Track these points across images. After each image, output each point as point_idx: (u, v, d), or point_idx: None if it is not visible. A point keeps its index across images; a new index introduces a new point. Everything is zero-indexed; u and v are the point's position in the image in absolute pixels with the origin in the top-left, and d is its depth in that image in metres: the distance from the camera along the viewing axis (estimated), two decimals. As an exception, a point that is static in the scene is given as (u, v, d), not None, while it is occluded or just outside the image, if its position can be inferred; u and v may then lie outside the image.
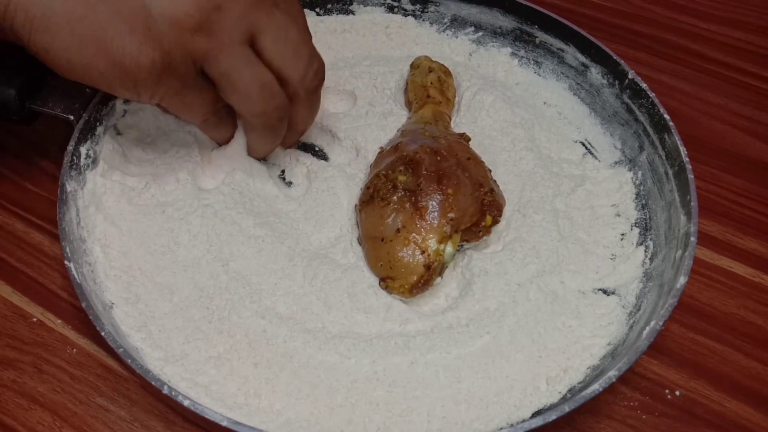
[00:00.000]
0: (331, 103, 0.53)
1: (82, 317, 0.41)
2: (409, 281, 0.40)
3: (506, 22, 0.56)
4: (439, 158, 0.42)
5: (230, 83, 0.39)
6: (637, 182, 0.48)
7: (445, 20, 0.58)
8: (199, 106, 0.41)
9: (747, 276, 0.47)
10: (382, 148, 0.47)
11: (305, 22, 0.42)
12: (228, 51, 0.38)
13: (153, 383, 0.34)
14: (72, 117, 0.44)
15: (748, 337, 0.44)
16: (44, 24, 0.34)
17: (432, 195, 0.41)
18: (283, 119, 0.42)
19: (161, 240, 0.43)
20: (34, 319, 0.43)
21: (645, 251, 0.44)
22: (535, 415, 0.37)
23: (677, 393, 0.42)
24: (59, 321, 0.43)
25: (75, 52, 0.35)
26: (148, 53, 0.35)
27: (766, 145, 0.55)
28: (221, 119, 0.44)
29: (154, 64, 0.36)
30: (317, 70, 0.42)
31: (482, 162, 0.44)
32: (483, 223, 0.42)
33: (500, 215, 0.43)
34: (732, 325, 0.45)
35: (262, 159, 0.47)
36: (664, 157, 0.46)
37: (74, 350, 0.42)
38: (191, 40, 0.36)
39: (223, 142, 0.46)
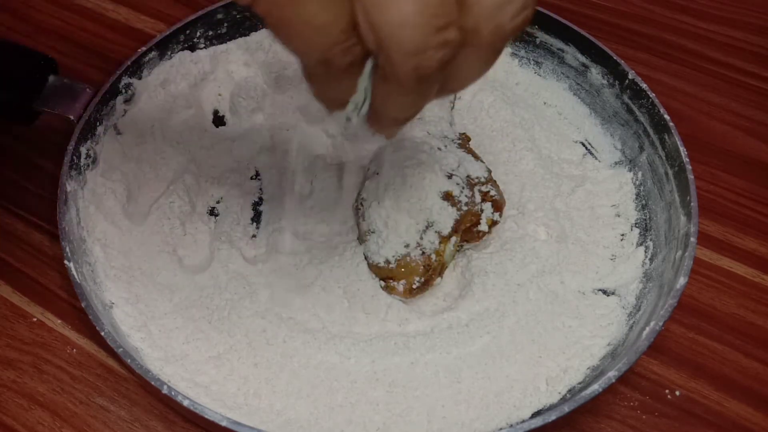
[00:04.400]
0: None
1: (82, 317, 0.41)
2: (409, 282, 0.40)
3: (506, 22, 0.56)
4: None
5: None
6: (637, 183, 0.48)
7: (446, 20, 0.58)
8: (323, 25, 0.25)
9: (747, 276, 0.47)
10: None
11: None
12: None
13: (152, 383, 0.34)
14: (72, 117, 0.44)
15: (748, 337, 0.44)
16: None
17: None
18: (447, 65, 0.26)
19: (161, 240, 0.43)
20: (34, 319, 0.43)
21: (645, 251, 0.44)
22: (534, 415, 0.37)
23: (677, 393, 0.42)
24: (59, 321, 0.43)
25: None
26: None
27: (766, 145, 0.55)
28: (346, 66, 0.27)
29: None
30: (521, 8, 0.26)
31: (482, 162, 0.44)
32: (483, 224, 0.42)
33: (500, 215, 0.43)
34: (732, 325, 0.45)
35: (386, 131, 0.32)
36: (664, 158, 0.46)
37: (74, 350, 0.42)
38: None
39: (337, 106, 0.30)
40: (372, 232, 0.41)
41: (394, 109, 0.29)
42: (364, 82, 0.28)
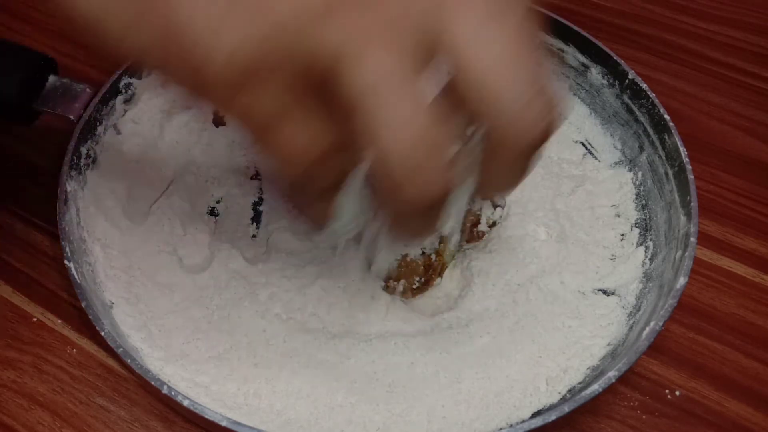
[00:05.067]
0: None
1: (82, 317, 0.41)
2: (409, 282, 0.40)
3: (507, 22, 0.56)
4: None
5: (371, 111, 0.21)
6: (637, 183, 0.48)
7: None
8: (303, 146, 0.23)
9: (747, 276, 0.47)
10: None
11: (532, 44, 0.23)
12: (380, 56, 0.20)
13: (152, 383, 0.34)
14: (72, 117, 0.44)
15: (748, 337, 0.44)
16: None
17: None
18: (449, 192, 0.24)
19: (161, 240, 0.43)
20: (34, 319, 0.43)
21: (645, 252, 0.44)
22: (534, 415, 0.37)
23: (677, 393, 0.42)
24: (59, 321, 0.43)
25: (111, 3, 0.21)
26: (229, 38, 0.20)
27: (766, 145, 0.55)
28: (325, 186, 0.26)
29: (235, 58, 0.20)
30: (546, 112, 0.24)
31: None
32: (483, 224, 0.42)
33: (500, 216, 0.43)
34: (732, 325, 0.45)
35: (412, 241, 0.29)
36: (664, 158, 0.46)
37: (74, 350, 0.42)
38: (317, 30, 0.20)
39: (322, 222, 0.29)
40: (372, 233, 0.41)
41: (409, 229, 0.27)
42: (352, 206, 0.26)
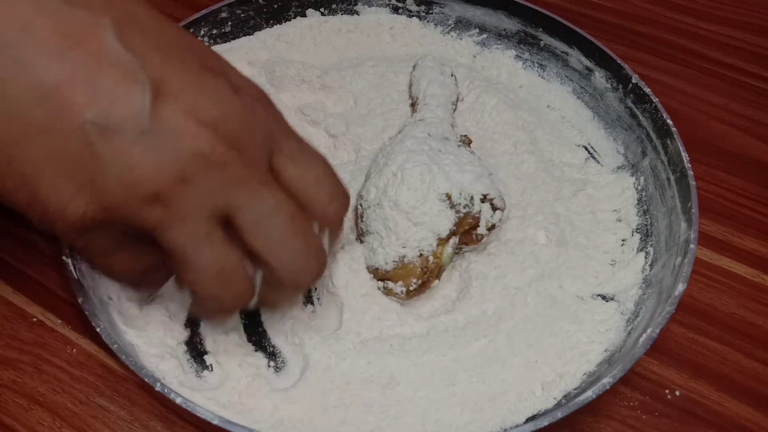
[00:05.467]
0: (332, 102, 0.53)
1: (82, 317, 0.41)
2: (406, 283, 0.40)
3: (511, 24, 0.56)
4: None
5: (182, 260, 0.30)
6: (639, 188, 0.48)
7: (450, 22, 0.58)
8: (127, 270, 0.34)
9: (747, 276, 0.47)
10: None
11: (304, 223, 0.33)
12: (185, 225, 0.29)
13: (146, 380, 0.34)
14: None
15: (748, 337, 0.44)
16: None
17: None
18: (243, 306, 0.34)
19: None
20: (34, 319, 0.43)
21: (645, 257, 0.44)
22: (529, 420, 0.37)
23: (677, 393, 0.42)
24: (59, 321, 0.43)
25: None
26: (79, 206, 0.28)
27: (766, 145, 0.55)
28: (152, 276, 0.36)
29: (83, 219, 0.28)
30: (315, 265, 0.34)
31: (483, 165, 0.44)
32: (481, 227, 0.42)
33: (500, 219, 0.43)
34: (732, 325, 0.45)
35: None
36: (666, 163, 0.46)
37: (74, 350, 0.42)
38: (142, 208, 0.28)
39: (148, 292, 0.39)
40: (370, 234, 0.41)
41: (203, 315, 0.39)
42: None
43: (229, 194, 0.29)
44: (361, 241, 0.42)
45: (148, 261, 0.34)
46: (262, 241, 0.31)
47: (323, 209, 0.33)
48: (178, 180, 0.28)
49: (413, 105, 0.51)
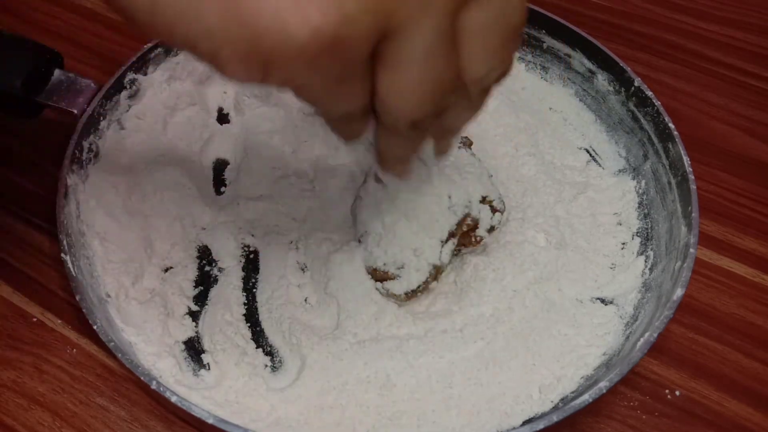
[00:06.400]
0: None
1: (82, 317, 0.41)
2: (404, 285, 0.40)
3: (513, 25, 0.56)
4: None
5: (407, 72, 0.26)
6: (640, 191, 0.47)
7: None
8: (353, 100, 0.28)
9: (747, 276, 0.47)
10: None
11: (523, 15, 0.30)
12: (431, 23, 0.25)
13: (142, 378, 0.34)
14: (76, 111, 0.44)
15: (748, 337, 0.44)
16: None
17: None
18: (438, 119, 0.30)
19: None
20: (34, 319, 0.43)
21: (645, 261, 0.44)
22: (525, 423, 0.37)
23: (677, 393, 0.42)
24: (59, 321, 0.43)
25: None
26: (310, 18, 0.22)
27: (766, 145, 0.55)
28: (365, 112, 0.30)
29: (317, 38, 0.22)
30: (505, 71, 0.30)
31: (483, 166, 0.44)
32: (481, 229, 0.42)
33: (499, 221, 0.42)
34: (732, 325, 0.45)
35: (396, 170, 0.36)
36: (667, 167, 0.45)
37: (74, 350, 0.42)
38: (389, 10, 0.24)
39: (353, 139, 0.33)
40: (369, 235, 0.41)
41: (394, 150, 0.33)
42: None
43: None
44: (360, 242, 0.42)
45: (371, 85, 0.28)
46: (483, 42, 0.28)
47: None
48: None
49: None
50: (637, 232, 0.46)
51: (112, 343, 0.34)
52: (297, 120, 0.51)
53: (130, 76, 0.47)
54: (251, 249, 0.44)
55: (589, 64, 0.52)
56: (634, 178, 0.48)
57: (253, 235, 0.45)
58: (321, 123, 0.50)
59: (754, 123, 0.56)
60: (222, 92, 0.52)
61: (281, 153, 0.49)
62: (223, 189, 0.47)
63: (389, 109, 0.28)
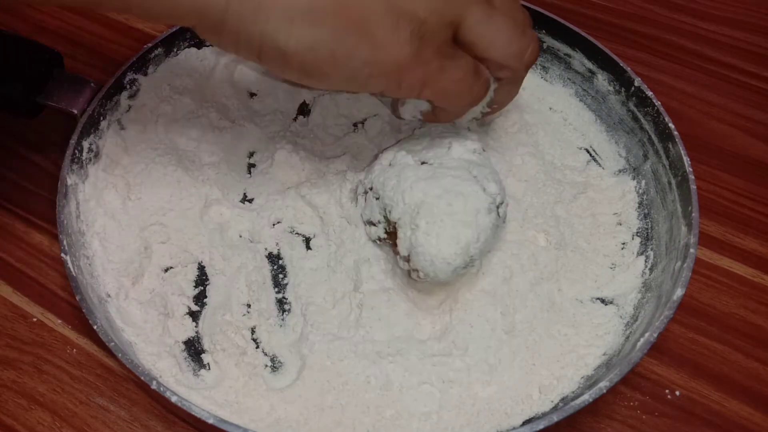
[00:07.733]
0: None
1: (82, 317, 0.41)
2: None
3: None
4: None
5: (488, 36, 0.36)
6: (641, 191, 0.47)
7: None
8: (464, 77, 0.37)
9: (747, 276, 0.47)
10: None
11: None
12: (477, 2, 0.35)
13: (142, 378, 0.33)
14: (76, 111, 0.44)
15: (748, 337, 0.44)
16: (309, 17, 0.32)
17: None
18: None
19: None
20: (34, 319, 0.43)
21: (645, 261, 0.44)
22: (525, 423, 0.37)
23: (677, 393, 0.42)
24: (59, 321, 0.43)
25: (339, 42, 0.32)
26: (404, 27, 0.33)
27: (766, 145, 0.55)
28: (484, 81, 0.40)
29: (412, 38, 0.33)
30: (537, 48, 0.40)
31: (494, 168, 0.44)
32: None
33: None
34: (732, 325, 0.45)
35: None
36: (667, 167, 0.45)
37: (74, 350, 0.42)
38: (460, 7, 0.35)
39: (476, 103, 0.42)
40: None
41: (506, 97, 0.43)
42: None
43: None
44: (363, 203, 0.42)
45: (472, 63, 0.38)
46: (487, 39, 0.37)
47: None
48: None
49: None
50: (637, 232, 0.46)
51: (112, 343, 0.34)
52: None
53: (130, 76, 0.47)
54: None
55: (589, 64, 0.52)
56: (634, 178, 0.48)
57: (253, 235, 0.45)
58: (323, 125, 0.50)
59: (754, 123, 0.57)
60: (222, 92, 0.52)
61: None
62: (223, 189, 0.47)
63: (506, 53, 0.37)
